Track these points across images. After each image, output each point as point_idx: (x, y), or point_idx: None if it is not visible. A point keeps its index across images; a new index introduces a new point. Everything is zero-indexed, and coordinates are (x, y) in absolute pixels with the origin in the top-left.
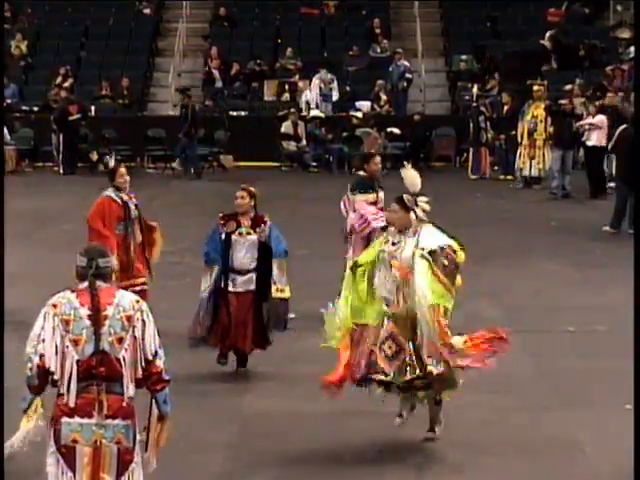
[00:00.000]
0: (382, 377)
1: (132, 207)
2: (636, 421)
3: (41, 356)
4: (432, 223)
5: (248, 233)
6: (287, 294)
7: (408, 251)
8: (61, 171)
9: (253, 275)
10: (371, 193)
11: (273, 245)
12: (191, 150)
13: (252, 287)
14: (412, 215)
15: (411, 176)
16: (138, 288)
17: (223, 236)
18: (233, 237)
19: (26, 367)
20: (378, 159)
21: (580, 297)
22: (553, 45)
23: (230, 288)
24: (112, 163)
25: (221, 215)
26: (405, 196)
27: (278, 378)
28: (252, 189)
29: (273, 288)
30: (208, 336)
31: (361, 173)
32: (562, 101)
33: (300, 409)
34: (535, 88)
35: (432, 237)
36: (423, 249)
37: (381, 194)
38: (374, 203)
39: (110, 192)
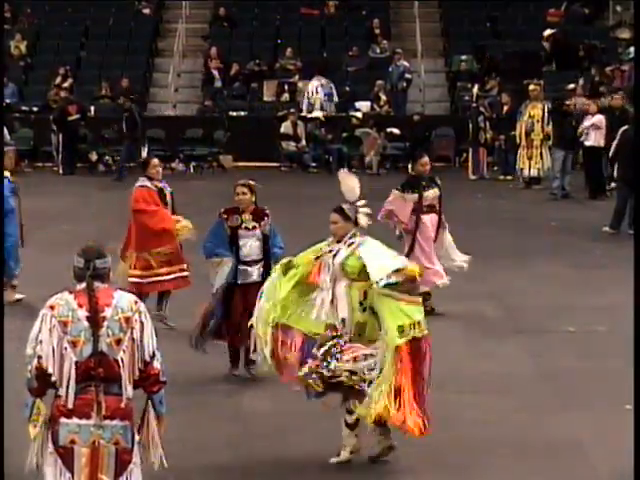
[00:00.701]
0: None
1: (167, 194)
2: (636, 421)
3: (39, 358)
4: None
5: (253, 227)
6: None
7: (339, 259)
8: (60, 171)
9: (261, 266)
10: (411, 193)
11: (270, 244)
12: (127, 151)
13: (261, 278)
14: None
15: (348, 183)
16: (185, 274)
17: (228, 231)
18: (240, 231)
19: (26, 369)
20: (425, 159)
21: (580, 298)
22: (552, 45)
23: (240, 281)
24: (144, 154)
25: (223, 210)
26: (345, 206)
27: (277, 377)
28: (252, 183)
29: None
30: (219, 332)
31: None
32: (568, 102)
33: (300, 409)
34: (531, 88)
35: (378, 259)
36: (377, 283)
37: (429, 192)
38: (419, 203)
39: (143, 181)
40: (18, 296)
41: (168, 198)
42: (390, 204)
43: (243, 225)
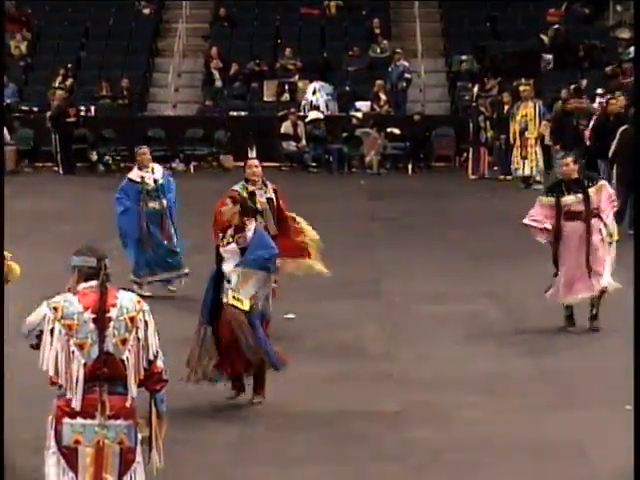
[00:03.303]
0: None
1: (260, 199)
2: (636, 421)
3: (35, 344)
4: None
5: (228, 242)
6: (245, 306)
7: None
8: (60, 171)
9: None
10: (548, 196)
11: (246, 252)
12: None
13: None
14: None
15: None
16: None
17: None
18: (220, 249)
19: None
20: (568, 160)
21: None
22: (552, 39)
23: (224, 300)
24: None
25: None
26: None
27: (277, 378)
28: (236, 195)
29: (229, 294)
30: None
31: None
32: (572, 102)
33: (300, 409)
34: (522, 88)
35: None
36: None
37: (570, 197)
38: (557, 208)
39: (239, 185)
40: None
41: (260, 203)
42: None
43: (225, 241)
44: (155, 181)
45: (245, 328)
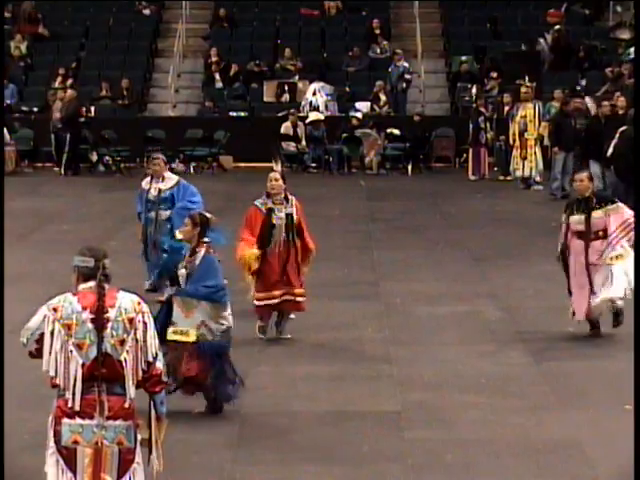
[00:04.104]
0: None
1: (278, 214)
2: (636, 421)
3: (33, 351)
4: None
5: (183, 267)
6: (191, 337)
7: None
8: (63, 172)
9: None
10: (563, 214)
11: (189, 281)
12: None
13: None
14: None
15: None
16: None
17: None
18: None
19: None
20: (582, 175)
21: None
22: (554, 42)
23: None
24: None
25: None
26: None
27: (277, 378)
28: (197, 216)
29: (169, 330)
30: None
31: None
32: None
33: (299, 409)
34: (523, 90)
35: None
36: None
37: (576, 217)
38: (567, 225)
39: (259, 200)
40: None
41: (278, 219)
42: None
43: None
44: (160, 191)
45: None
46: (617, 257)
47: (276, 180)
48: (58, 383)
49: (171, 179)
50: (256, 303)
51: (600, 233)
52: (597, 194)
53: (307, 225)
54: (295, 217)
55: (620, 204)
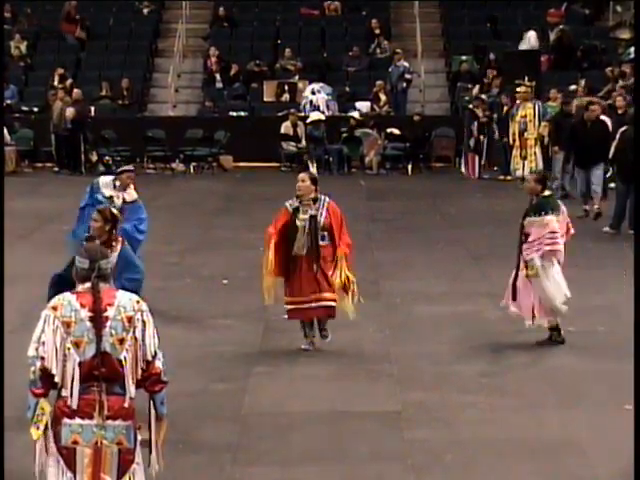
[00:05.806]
0: None
1: (302, 215)
2: (636, 421)
3: (42, 359)
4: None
5: None
6: None
7: None
8: (62, 172)
9: None
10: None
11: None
12: None
13: None
14: None
15: None
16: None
17: None
18: None
19: (29, 371)
20: (529, 177)
21: (580, 297)
22: (556, 42)
23: None
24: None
25: None
26: None
27: (277, 378)
28: (107, 211)
29: None
30: None
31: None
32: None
33: (300, 409)
34: (522, 90)
35: None
36: None
37: (526, 220)
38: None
39: (289, 201)
40: None
41: (302, 221)
42: None
43: None
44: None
45: None
46: (531, 272)
47: (303, 181)
48: (57, 381)
49: (129, 193)
50: (286, 307)
51: (524, 238)
52: (539, 201)
53: (344, 227)
54: (322, 220)
55: (548, 217)
